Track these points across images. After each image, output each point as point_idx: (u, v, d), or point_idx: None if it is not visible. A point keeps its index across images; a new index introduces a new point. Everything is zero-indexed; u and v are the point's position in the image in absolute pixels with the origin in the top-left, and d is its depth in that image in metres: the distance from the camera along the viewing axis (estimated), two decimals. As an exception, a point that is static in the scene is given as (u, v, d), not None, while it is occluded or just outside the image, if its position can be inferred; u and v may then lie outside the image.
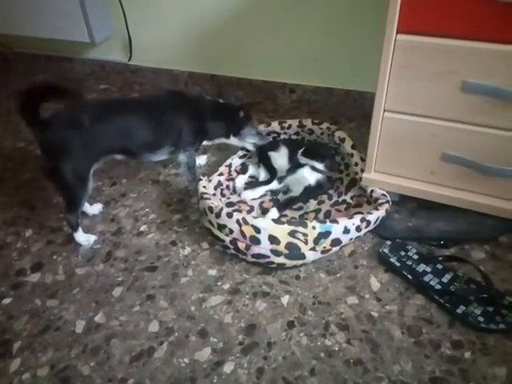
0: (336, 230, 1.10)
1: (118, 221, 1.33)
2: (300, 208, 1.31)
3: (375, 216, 1.15)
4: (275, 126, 1.51)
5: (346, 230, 1.11)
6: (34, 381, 0.94)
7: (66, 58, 2.19)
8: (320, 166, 1.30)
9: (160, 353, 0.98)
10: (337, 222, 1.10)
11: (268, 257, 1.10)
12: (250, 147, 1.44)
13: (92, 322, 1.05)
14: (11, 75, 2.26)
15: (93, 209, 1.36)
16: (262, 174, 1.42)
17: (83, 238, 1.26)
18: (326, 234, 1.09)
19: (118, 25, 1.95)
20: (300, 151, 1.33)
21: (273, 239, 1.08)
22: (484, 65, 0.94)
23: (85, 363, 0.97)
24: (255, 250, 1.10)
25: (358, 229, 1.13)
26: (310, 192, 1.32)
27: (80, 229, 1.25)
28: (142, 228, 1.30)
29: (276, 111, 1.80)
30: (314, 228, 1.08)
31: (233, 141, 1.42)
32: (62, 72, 2.21)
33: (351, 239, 1.14)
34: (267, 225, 1.08)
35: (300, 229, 1.07)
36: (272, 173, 1.41)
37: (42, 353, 0.99)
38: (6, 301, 1.11)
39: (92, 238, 1.27)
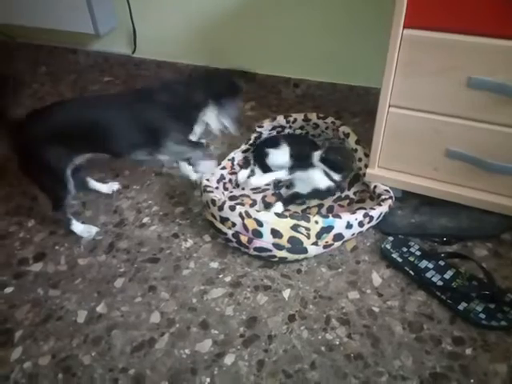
0: (339, 225, 1.10)
1: (121, 212, 1.33)
2: (303, 203, 1.31)
3: (378, 212, 1.14)
4: (281, 119, 1.51)
5: (349, 225, 1.11)
6: (35, 369, 0.95)
7: (70, 49, 2.18)
8: (337, 177, 1.29)
9: (161, 344, 0.98)
10: (339, 216, 1.10)
11: (270, 250, 1.10)
12: (215, 128, 1.32)
13: (94, 312, 1.05)
14: (15, 66, 2.25)
15: (107, 187, 1.38)
16: (257, 172, 1.41)
17: (81, 228, 1.26)
18: (328, 229, 1.09)
19: (122, 17, 1.94)
20: (317, 154, 1.31)
21: (275, 233, 1.08)
22: (490, 61, 0.94)
23: (86, 353, 0.97)
24: (257, 243, 1.10)
25: (361, 224, 1.12)
26: (318, 194, 1.31)
27: (74, 221, 1.25)
28: (145, 220, 1.30)
29: (280, 106, 1.80)
30: (316, 222, 1.08)
31: (209, 116, 1.28)
32: (65, 63, 2.20)
33: (353, 234, 1.14)
34: (270, 218, 1.08)
35: (302, 223, 1.07)
36: (266, 172, 1.39)
37: (43, 342, 1.00)
38: (9, 290, 1.12)
39: (93, 229, 1.27)
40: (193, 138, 1.29)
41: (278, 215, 1.09)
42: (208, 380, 0.91)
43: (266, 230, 1.08)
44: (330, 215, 1.10)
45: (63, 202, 1.21)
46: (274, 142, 1.43)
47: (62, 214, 1.23)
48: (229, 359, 0.95)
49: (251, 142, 1.47)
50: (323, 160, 1.30)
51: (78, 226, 1.25)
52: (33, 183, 1.21)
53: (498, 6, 0.89)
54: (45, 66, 2.23)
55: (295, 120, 1.50)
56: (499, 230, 1.16)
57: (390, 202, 1.18)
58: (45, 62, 2.24)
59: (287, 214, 1.14)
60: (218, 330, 1.00)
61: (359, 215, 1.12)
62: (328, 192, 1.31)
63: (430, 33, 0.96)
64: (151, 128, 1.21)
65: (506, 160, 1.04)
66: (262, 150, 1.42)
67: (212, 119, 1.30)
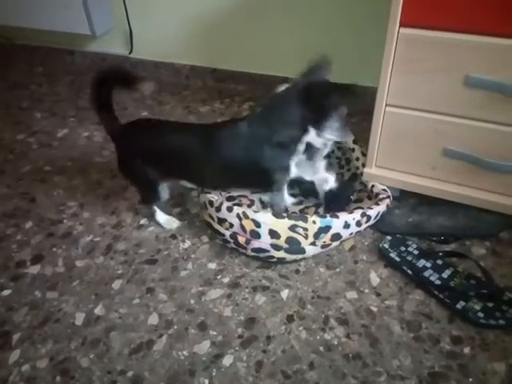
0: (336, 225, 1.09)
1: (118, 214, 1.33)
2: (300, 202, 1.31)
3: (376, 211, 1.14)
4: None
5: (347, 225, 1.10)
6: (33, 372, 0.94)
7: (67, 50, 2.18)
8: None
9: (159, 345, 0.98)
10: (337, 216, 1.10)
11: (268, 251, 1.10)
12: (325, 149, 1.18)
13: (92, 314, 1.05)
14: (11, 67, 2.25)
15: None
16: None
17: (164, 219, 1.28)
18: (326, 229, 1.09)
19: (119, 17, 1.94)
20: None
21: (273, 233, 1.08)
22: (487, 59, 0.94)
23: (84, 355, 0.97)
24: (255, 244, 1.10)
25: (359, 224, 1.12)
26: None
27: (159, 211, 1.27)
28: (142, 221, 1.30)
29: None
30: (314, 222, 1.08)
31: (311, 137, 1.10)
32: (62, 64, 2.20)
33: (351, 234, 1.14)
34: (267, 219, 1.08)
35: (300, 223, 1.07)
36: None
37: (41, 344, 0.99)
38: (6, 292, 1.11)
39: (174, 224, 1.27)
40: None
41: (276, 216, 1.09)
42: (206, 381, 0.91)
43: (263, 231, 1.08)
44: (328, 215, 1.09)
45: (152, 203, 1.25)
46: None
47: (149, 208, 1.28)
48: (227, 360, 0.94)
49: None
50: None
51: (162, 217, 1.27)
52: (129, 182, 1.29)
53: (495, 4, 0.89)
54: (42, 67, 2.23)
55: None
56: (497, 229, 1.16)
57: (387, 201, 1.18)
58: (42, 63, 2.24)
59: (285, 214, 1.14)
60: (217, 331, 1.00)
61: (357, 215, 1.11)
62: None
63: (427, 31, 0.96)
64: (254, 169, 1.10)
65: (504, 158, 1.03)
66: None
67: (314, 141, 1.12)
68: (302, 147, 1.12)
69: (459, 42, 0.94)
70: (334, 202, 1.24)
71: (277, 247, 1.09)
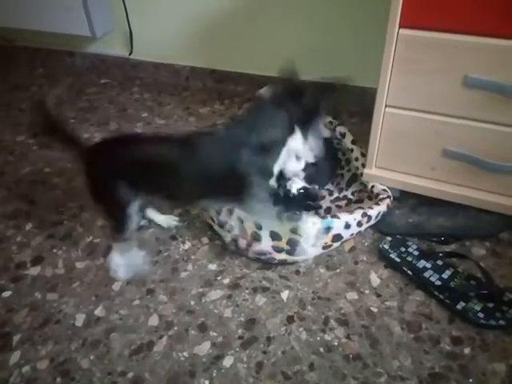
0: (337, 226, 1.09)
1: (118, 215, 1.33)
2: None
3: (376, 211, 1.14)
4: None
5: (347, 226, 1.11)
6: (33, 373, 0.94)
7: (67, 51, 2.18)
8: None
9: (159, 346, 0.98)
10: (338, 217, 1.10)
11: (270, 253, 1.10)
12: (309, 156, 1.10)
13: (92, 315, 1.05)
14: (11, 69, 2.25)
15: (164, 220, 1.29)
16: None
17: (160, 219, 1.27)
18: (327, 230, 1.09)
19: (119, 19, 1.94)
20: None
21: (274, 235, 1.08)
22: (487, 60, 0.94)
23: (84, 356, 0.97)
24: (256, 246, 1.10)
25: (359, 224, 1.12)
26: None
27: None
28: (142, 222, 1.29)
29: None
30: (314, 224, 1.08)
31: (295, 141, 1.04)
32: (62, 66, 2.20)
33: (352, 234, 1.14)
34: (268, 222, 1.07)
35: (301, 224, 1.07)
36: None
37: (41, 346, 0.99)
38: (6, 294, 1.11)
39: (174, 221, 1.27)
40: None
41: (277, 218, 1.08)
42: (207, 382, 0.91)
43: (265, 233, 1.08)
44: (329, 216, 1.09)
45: (124, 230, 1.11)
46: None
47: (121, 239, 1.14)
48: (227, 361, 0.95)
49: None
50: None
51: (158, 217, 1.27)
52: (99, 209, 1.14)
53: (494, 5, 0.89)
54: (42, 68, 2.23)
55: None
56: (497, 230, 1.16)
57: (388, 201, 1.18)
58: (42, 64, 2.24)
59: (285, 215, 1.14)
60: (217, 332, 1.00)
61: (357, 215, 1.11)
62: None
63: (426, 32, 0.96)
64: (232, 176, 1.01)
65: (504, 159, 1.04)
66: None
67: (298, 147, 1.06)
68: (284, 152, 1.03)
69: (458, 43, 0.94)
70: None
71: (278, 249, 1.09)
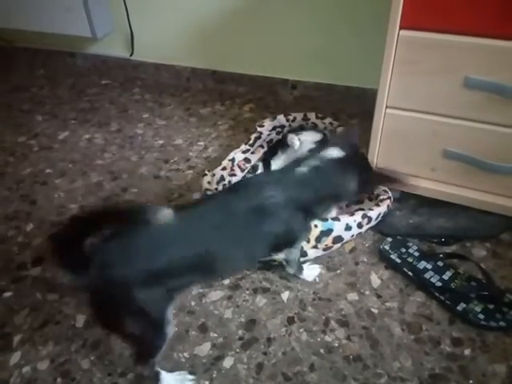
0: (338, 228, 1.09)
1: (119, 216, 1.33)
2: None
3: (377, 212, 1.14)
4: (281, 118, 1.51)
5: (348, 227, 1.11)
6: (34, 374, 0.94)
7: (68, 52, 2.18)
8: None
9: (160, 347, 0.98)
10: (338, 219, 1.10)
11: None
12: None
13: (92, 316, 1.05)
14: (12, 70, 2.26)
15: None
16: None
17: (170, 379, 0.91)
18: (327, 232, 1.09)
19: (119, 20, 1.94)
20: None
21: None
22: (487, 61, 0.94)
23: (85, 357, 0.97)
24: None
25: (360, 225, 1.12)
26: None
27: (163, 373, 0.90)
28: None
29: (278, 107, 1.80)
30: (315, 226, 1.08)
31: None
32: (63, 67, 2.20)
33: (353, 236, 1.14)
34: None
35: None
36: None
37: (42, 346, 0.99)
38: (7, 294, 1.11)
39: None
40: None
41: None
42: (207, 383, 0.91)
43: None
44: (329, 218, 1.09)
45: (158, 352, 0.86)
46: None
47: (150, 366, 0.91)
48: (228, 362, 0.95)
49: (251, 142, 1.47)
50: None
51: (167, 377, 0.91)
52: (120, 336, 0.90)
53: (494, 6, 0.89)
54: (43, 69, 2.24)
55: (295, 119, 1.51)
56: (498, 231, 1.16)
57: (388, 202, 1.18)
58: (43, 65, 2.24)
59: None
60: (217, 333, 1.00)
61: (358, 217, 1.12)
62: None
63: (426, 34, 0.96)
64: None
65: (504, 160, 1.04)
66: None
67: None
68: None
69: (458, 44, 0.94)
70: None
71: None
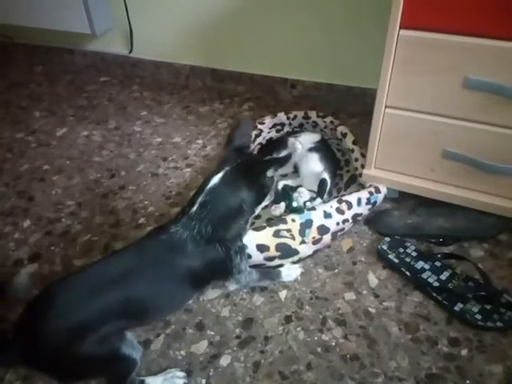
0: (316, 217, 1.10)
1: (117, 213, 1.33)
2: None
3: (355, 196, 1.15)
4: (282, 116, 1.51)
5: (327, 215, 1.11)
6: (29, 371, 0.93)
7: (67, 49, 2.18)
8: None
9: (157, 345, 0.98)
10: (314, 208, 1.11)
11: (263, 264, 1.09)
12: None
13: (89, 313, 1.05)
14: (11, 66, 2.25)
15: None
16: None
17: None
18: (308, 224, 1.09)
19: (119, 17, 1.93)
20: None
21: (261, 248, 1.05)
22: (487, 62, 0.94)
23: (81, 354, 0.96)
24: (249, 263, 1.05)
25: (340, 211, 1.13)
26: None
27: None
28: (141, 220, 1.29)
29: (277, 106, 1.79)
30: (293, 221, 1.08)
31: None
32: (62, 63, 2.20)
33: (339, 224, 1.13)
34: (250, 236, 1.04)
35: (281, 226, 1.07)
36: None
37: (38, 343, 0.99)
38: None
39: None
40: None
41: (256, 229, 1.06)
42: (204, 381, 0.91)
43: (252, 249, 1.04)
44: (305, 210, 1.10)
45: (130, 375, 0.87)
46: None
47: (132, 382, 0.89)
48: (224, 360, 0.94)
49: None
50: None
51: (154, 381, 0.91)
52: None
53: (495, 6, 0.89)
54: (41, 65, 2.23)
55: (295, 117, 1.51)
56: (495, 231, 1.16)
57: (371, 189, 1.19)
58: (41, 61, 2.24)
59: (265, 224, 1.10)
60: (214, 331, 1.00)
61: (333, 202, 1.13)
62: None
63: (427, 33, 0.96)
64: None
65: (503, 161, 1.04)
66: None
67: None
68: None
69: (459, 44, 0.94)
70: None
71: (270, 259, 1.08)
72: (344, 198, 1.14)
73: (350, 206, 1.14)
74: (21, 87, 2.07)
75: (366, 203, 1.18)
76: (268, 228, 1.07)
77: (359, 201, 1.16)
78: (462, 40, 0.94)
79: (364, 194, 1.17)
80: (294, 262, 1.13)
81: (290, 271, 1.11)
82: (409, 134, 1.11)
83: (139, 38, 1.99)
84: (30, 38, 2.21)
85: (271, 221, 1.14)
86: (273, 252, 1.07)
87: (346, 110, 1.71)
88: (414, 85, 1.03)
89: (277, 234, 1.07)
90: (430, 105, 1.05)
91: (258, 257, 1.06)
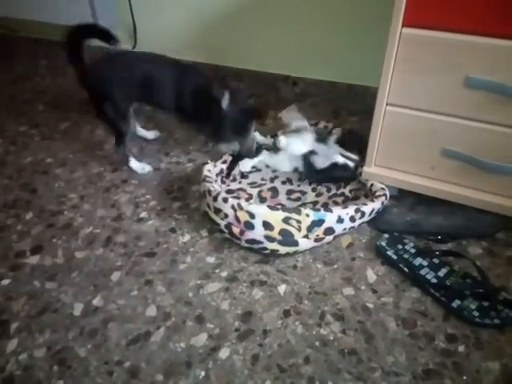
0: (329, 219, 1.10)
1: (119, 206, 1.33)
2: (298, 199, 1.32)
3: (370, 207, 1.15)
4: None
5: (340, 220, 1.11)
6: (30, 361, 0.95)
7: (71, 43, 2.18)
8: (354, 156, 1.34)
9: (157, 337, 0.99)
10: (331, 210, 1.11)
11: (262, 242, 1.10)
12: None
13: (90, 305, 1.06)
14: (15, 60, 2.26)
15: (150, 134, 1.64)
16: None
17: (137, 165, 1.47)
18: (319, 222, 1.09)
19: (123, 12, 1.94)
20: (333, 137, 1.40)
21: (267, 225, 1.08)
22: (488, 60, 0.94)
23: (81, 345, 0.97)
24: (249, 235, 1.10)
25: (352, 219, 1.13)
26: (335, 170, 1.33)
27: (132, 158, 1.46)
28: (143, 214, 1.30)
29: (278, 103, 1.79)
30: (307, 215, 1.08)
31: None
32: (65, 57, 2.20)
33: (345, 229, 1.15)
34: (261, 211, 1.08)
35: (294, 216, 1.08)
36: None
37: (39, 334, 1.00)
38: (5, 282, 1.12)
39: (147, 168, 1.47)
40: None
41: (270, 207, 1.09)
42: (203, 373, 0.92)
43: (257, 222, 1.09)
44: (322, 209, 1.10)
45: (125, 137, 1.42)
46: None
47: (123, 150, 1.45)
48: (224, 353, 0.95)
49: None
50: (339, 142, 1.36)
51: (134, 163, 1.46)
52: (100, 118, 1.43)
53: (497, 5, 0.89)
54: (45, 59, 2.24)
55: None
56: (494, 229, 1.17)
57: (383, 198, 1.19)
58: (45, 55, 2.24)
59: (279, 206, 1.14)
60: (214, 324, 1.01)
61: (351, 210, 1.12)
62: (345, 169, 1.32)
63: (429, 32, 0.97)
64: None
65: (503, 159, 1.04)
66: None
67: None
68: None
69: (460, 43, 0.95)
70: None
71: (270, 239, 1.09)
72: (362, 209, 1.14)
73: (362, 215, 1.15)
74: (25, 81, 2.08)
75: (376, 212, 1.19)
76: (281, 211, 1.08)
77: (372, 211, 1.17)
78: (463, 38, 0.94)
79: (377, 205, 1.18)
80: (289, 254, 1.14)
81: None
82: (409, 132, 1.11)
83: (143, 34, 2.00)
84: (34, 31, 2.22)
85: (287, 207, 1.21)
86: (275, 234, 1.09)
87: (347, 108, 1.72)
88: (415, 83, 1.04)
89: (286, 220, 1.08)
90: (431, 103, 1.05)
91: (259, 231, 1.09)
